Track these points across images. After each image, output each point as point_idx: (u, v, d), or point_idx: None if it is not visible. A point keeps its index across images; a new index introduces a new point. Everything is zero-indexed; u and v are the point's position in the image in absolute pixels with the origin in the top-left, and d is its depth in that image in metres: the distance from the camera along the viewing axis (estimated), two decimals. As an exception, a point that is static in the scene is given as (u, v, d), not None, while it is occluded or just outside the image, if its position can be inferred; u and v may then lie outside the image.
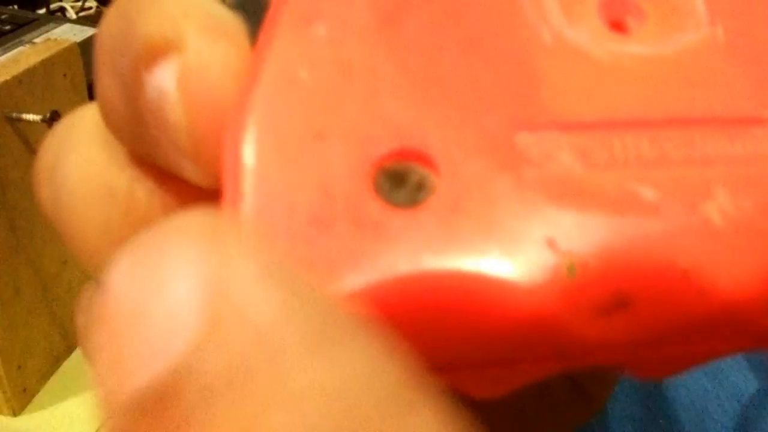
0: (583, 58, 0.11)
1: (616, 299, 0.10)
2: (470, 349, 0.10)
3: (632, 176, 0.10)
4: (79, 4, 1.03)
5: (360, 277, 0.09)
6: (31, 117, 0.50)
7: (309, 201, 0.10)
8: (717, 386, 0.24)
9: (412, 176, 0.10)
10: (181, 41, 0.11)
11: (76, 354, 0.60)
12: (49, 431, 0.55)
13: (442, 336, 0.10)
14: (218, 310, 0.07)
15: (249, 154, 0.10)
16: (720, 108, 0.11)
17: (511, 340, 0.10)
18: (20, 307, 0.54)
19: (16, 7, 0.92)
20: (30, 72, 0.51)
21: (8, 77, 0.49)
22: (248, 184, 0.10)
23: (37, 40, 0.68)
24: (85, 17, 1.01)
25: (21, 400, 0.56)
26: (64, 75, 0.54)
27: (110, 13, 0.12)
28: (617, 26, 0.11)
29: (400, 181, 0.10)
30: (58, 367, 0.59)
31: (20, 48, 0.66)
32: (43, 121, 0.51)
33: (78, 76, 0.56)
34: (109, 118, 0.12)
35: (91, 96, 0.58)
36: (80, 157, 0.13)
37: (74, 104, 0.55)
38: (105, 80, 0.12)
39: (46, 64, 0.52)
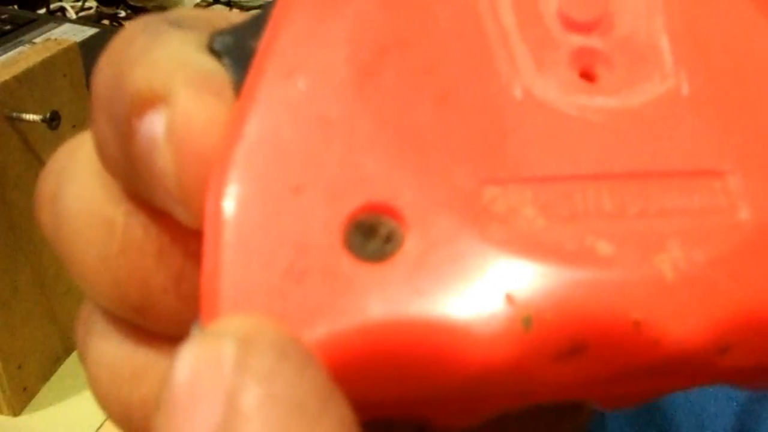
0: (550, 113, 0.11)
1: (571, 347, 0.10)
2: (435, 391, 0.11)
3: (591, 229, 0.11)
4: (79, 4, 1.03)
5: (328, 327, 0.10)
6: (31, 117, 0.50)
7: (284, 255, 0.10)
8: (715, 387, 0.24)
9: (381, 229, 0.10)
10: (169, 95, 0.11)
11: (76, 354, 0.60)
12: (49, 431, 0.55)
13: (408, 380, 0.10)
14: None
15: (229, 208, 0.10)
16: (680, 161, 0.11)
17: (473, 383, 0.10)
18: (20, 307, 0.54)
19: (16, 7, 0.92)
20: (30, 72, 0.51)
21: (8, 77, 0.50)
22: (228, 238, 0.10)
23: (37, 40, 0.69)
24: (85, 17, 1.01)
25: (21, 400, 0.56)
26: (64, 75, 0.54)
27: (104, 60, 0.12)
28: (587, 75, 0.12)
29: (370, 234, 0.10)
30: (58, 367, 0.59)
31: (20, 48, 0.66)
32: (43, 121, 0.51)
33: (78, 76, 0.56)
34: (104, 158, 0.13)
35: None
36: (80, 188, 0.13)
37: (74, 104, 0.55)
38: (100, 123, 0.12)
39: (46, 64, 0.53)
